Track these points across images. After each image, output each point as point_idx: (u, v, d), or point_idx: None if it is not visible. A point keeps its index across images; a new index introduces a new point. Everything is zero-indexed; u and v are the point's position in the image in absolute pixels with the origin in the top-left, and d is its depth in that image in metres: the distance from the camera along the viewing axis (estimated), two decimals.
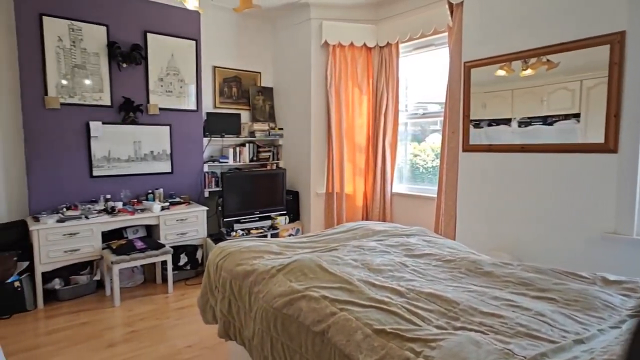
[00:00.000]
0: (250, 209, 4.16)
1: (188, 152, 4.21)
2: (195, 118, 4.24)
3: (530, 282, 1.64)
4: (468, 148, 2.96)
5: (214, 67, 4.59)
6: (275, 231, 4.24)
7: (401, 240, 2.26)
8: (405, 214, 4.32)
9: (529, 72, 2.68)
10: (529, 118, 2.69)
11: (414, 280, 1.71)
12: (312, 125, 4.49)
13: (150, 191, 3.91)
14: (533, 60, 2.65)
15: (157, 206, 3.61)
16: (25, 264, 3.04)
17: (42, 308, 3.09)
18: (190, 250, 3.82)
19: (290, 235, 4.64)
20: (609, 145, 2.28)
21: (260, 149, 4.81)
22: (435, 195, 3.90)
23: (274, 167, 4.94)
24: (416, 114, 4.32)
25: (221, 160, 4.48)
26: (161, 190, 3.97)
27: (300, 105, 4.63)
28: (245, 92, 4.87)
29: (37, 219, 3.14)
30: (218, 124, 4.43)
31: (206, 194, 4.39)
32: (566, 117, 2.51)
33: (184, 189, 4.19)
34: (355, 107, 4.50)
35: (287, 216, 4.58)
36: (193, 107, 4.21)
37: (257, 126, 4.78)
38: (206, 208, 3.92)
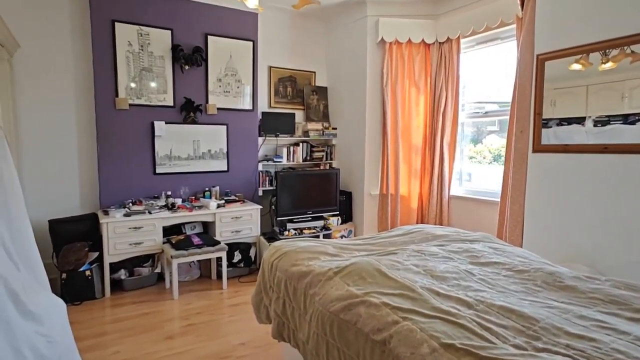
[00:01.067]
0: (303, 209, 4.15)
1: (243, 151, 4.29)
2: (251, 117, 4.31)
3: (624, 300, 1.44)
4: (540, 148, 2.71)
5: (270, 67, 4.64)
6: (328, 232, 4.19)
7: (464, 246, 2.10)
8: (464, 218, 4.08)
9: (609, 65, 2.40)
10: (606, 116, 2.40)
11: (482, 291, 1.56)
12: (366, 125, 4.39)
13: (207, 189, 4.03)
14: (615, 52, 2.37)
15: (213, 203, 3.71)
16: (95, 254, 3.24)
17: (109, 297, 3.28)
18: (244, 248, 3.88)
19: (342, 236, 4.57)
20: None
21: (314, 149, 4.79)
22: (498, 200, 3.66)
23: (327, 167, 4.90)
24: (477, 112, 4.07)
25: (275, 160, 4.52)
26: (217, 188, 4.08)
27: (354, 105, 4.55)
28: (299, 91, 4.88)
29: (106, 213, 3.35)
30: (273, 124, 4.47)
31: (260, 193, 4.44)
32: None
33: (239, 187, 4.27)
34: (412, 106, 4.34)
35: (339, 217, 4.52)
36: (249, 106, 4.28)
37: (311, 126, 4.77)
38: (260, 206, 3.96)
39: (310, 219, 4.18)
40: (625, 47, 2.32)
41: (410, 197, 4.42)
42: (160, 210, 3.49)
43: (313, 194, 4.23)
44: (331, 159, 4.92)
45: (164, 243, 3.45)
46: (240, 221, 3.82)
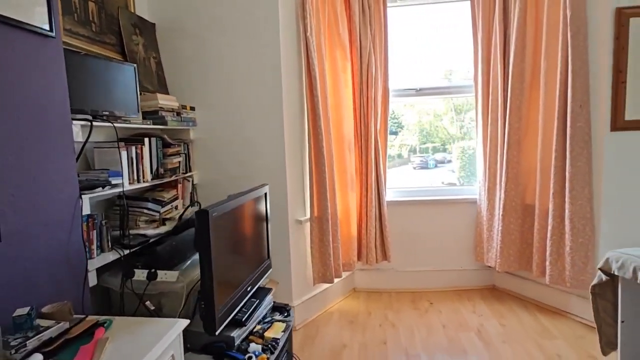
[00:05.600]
0: (241, 286, 1.77)
1: (31, 165, 1.32)
2: (44, 56, 1.37)
3: None
4: (624, 125, 2.22)
5: None
6: (286, 317, 2.00)
7: None
8: (408, 229, 3.09)
9: None
10: None
11: None
12: (284, 102, 2.46)
13: None
14: None
15: None
16: None
17: None
18: None
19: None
20: None
21: (169, 150, 2.24)
22: (476, 196, 2.98)
23: (189, 184, 2.47)
24: (412, 89, 3.14)
25: (110, 178, 1.72)
26: None
27: (251, 65, 2.46)
28: (112, 19, 2.12)
29: None
30: (89, 82, 1.67)
31: (93, 280, 1.57)
32: None
33: (36, 280, 1.30)
34: (340, 76, 2.82)
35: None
36: (34, 19, 1.33)
37: (165, 100, 2.20)
38: (184, 321, 1.30)
39: (256, 302, 1.85)
40: None
41: (348, 215, 2.91)
42: None
43: (246, 248, 1.90)
44: (189, 170, 2.51)
45: None
46: None
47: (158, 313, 1.65)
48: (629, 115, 2.22)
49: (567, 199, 2.38)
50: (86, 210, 1.53)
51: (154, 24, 2.48)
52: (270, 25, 2.40)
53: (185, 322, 1.30)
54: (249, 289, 1.83)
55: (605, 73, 2.23)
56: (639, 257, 1.55)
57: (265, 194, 2.13)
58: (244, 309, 1.74)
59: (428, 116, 3.49)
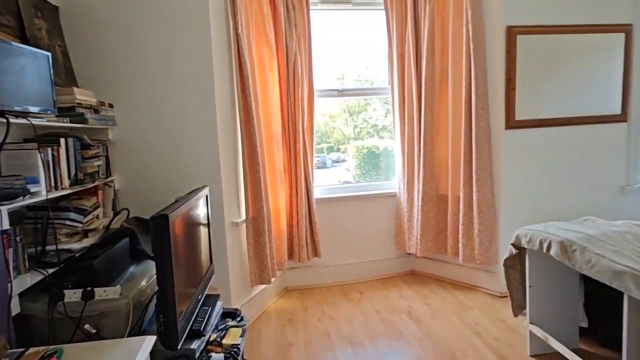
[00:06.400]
0: (195, 294, 1.65)
1: None
2: None
3: None
4: (515, 124, 2.65)
5: None
6: (239, 324, 1.92)
7: None
8: (335, 227, 3.22)
9: None
10: None
11: None
12: (216, 97, 2.36)
13: None
14: None
15: None
16: None
17: None
18: None
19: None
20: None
21: (87, 152, 1.97)
22: (395, 190, 3.24)
23: (111, 190, 2.21)
24: (334, 90, 3.26)
25: (29, 184, 1.46)
26: None
27: (176, 57, 2.29)
28: None
29: None
30: None
31: (17, 308, 1.32)
32: None
33: None
34: (267, 74, 2.80)
35: None
36: None
37: (82, 95, 1.93)
38: (151, 338, 1.17)
39: (209, 309, 1.74)
40: None
41: (278, 213, 2.90)
42: None
43: (195, 253, 1.78)
44: (109, 174, 2.24)
45: None
46: None
47: (100, 336, 1.45)
48: (518, 116, 2.67)
49: (474, 188, 2.75)
50: (5, 225, 1.28)
51: (57, 7, 2.15)
52: (200, 17, 2.27)
53: (152, 339, 1.18)
54: (199, 296, 1.72)
55: (500, 81, 2.65)
56: (542, 231, 1.89)
57: (207, 196, 2.03)
58: (199, 319, 1.64)
59: (323, 117, 3.66)
